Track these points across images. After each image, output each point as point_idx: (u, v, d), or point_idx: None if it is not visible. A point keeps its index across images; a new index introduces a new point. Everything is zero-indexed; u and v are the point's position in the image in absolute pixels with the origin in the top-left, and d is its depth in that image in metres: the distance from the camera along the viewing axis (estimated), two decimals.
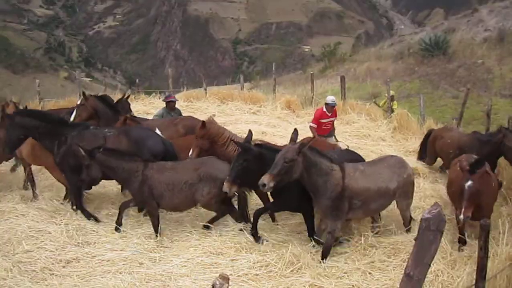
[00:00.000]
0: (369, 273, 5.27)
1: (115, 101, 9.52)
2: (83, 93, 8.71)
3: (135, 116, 9.17)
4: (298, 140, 5.39)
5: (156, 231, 6.14)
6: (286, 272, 5.20)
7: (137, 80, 25.00)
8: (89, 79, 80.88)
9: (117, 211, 6.46)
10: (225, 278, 2.61)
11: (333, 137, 9.75)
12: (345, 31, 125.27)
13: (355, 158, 6.50)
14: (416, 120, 11.61)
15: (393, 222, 6.33)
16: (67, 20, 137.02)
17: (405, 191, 6.08)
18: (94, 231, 6.38)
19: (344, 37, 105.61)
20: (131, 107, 12.19)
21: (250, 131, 6.11)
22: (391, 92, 13.47)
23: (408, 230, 6.16)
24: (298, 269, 5.26)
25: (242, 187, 5.89)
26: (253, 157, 5.41)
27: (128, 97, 10.69)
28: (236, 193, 6.00)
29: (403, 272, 3.04)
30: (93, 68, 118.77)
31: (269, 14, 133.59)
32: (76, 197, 6.78)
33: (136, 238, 6.11)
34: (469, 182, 5.50)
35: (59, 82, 78.05)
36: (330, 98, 9.52)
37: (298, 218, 6.45)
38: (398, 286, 3.12)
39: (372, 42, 60.51)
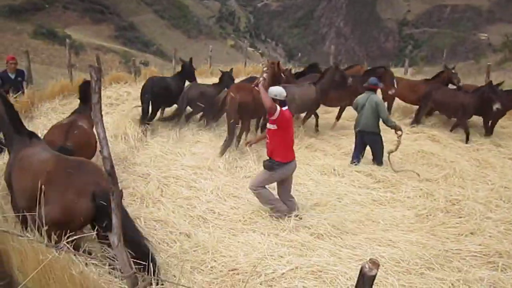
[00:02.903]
0: None
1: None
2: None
3: None
4: None
5: None
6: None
7: (299, 54, 25.52)
8: (252, 49, 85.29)
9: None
10: (375, 264, 2.56)
11: None
12: None
13: None
14: None
15: None
16: None
17: None
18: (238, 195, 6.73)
19: None
20: None
21: None
22: None
23: None
24: None
25: None
26: None
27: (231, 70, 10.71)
28: None
29: None
30: (257, 39, 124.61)
31: None
32: None
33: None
34: None
35: (226, 49, 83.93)
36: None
37: None
38: None
39: None
